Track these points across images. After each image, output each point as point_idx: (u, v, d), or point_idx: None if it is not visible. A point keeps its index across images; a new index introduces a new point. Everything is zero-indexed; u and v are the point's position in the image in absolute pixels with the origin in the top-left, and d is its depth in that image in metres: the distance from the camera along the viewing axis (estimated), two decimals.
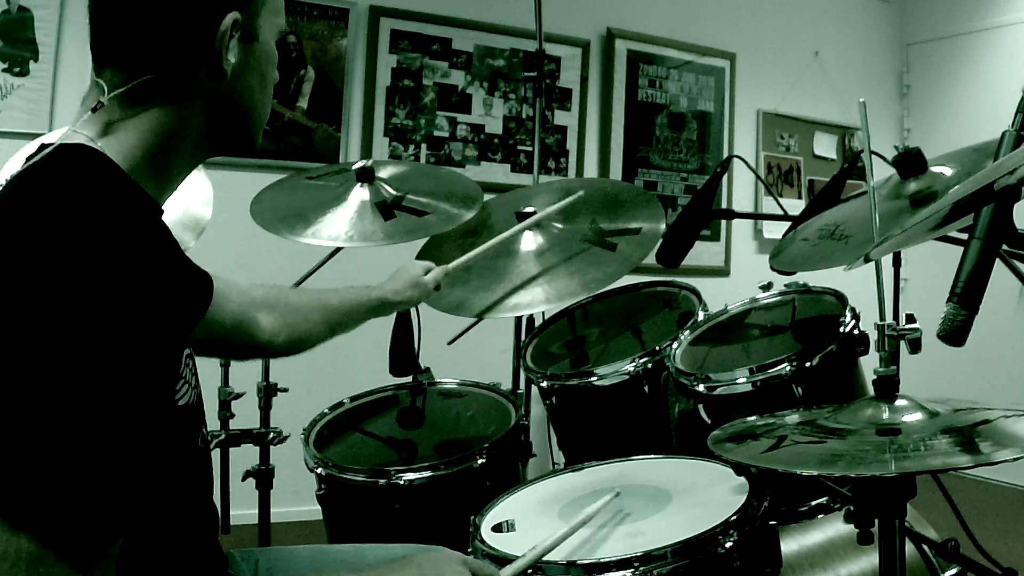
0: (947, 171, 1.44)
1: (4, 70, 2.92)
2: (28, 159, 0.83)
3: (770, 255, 1.56)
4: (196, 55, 0.87)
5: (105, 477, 0.70)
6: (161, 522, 0.86)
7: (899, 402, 1.05)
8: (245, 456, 2.06)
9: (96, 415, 0.69)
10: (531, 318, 2.26)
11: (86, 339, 0.69)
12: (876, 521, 1.01)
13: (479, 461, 1.54)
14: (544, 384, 1.76)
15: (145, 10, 0.85)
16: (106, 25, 0.86)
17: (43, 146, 0.83)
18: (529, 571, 1.09)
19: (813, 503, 1.42)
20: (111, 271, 0.73)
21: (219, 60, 0.88)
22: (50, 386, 0.68)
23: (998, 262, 0.92)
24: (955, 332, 0.86)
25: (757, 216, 4.63)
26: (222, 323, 1.23)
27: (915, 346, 1.04)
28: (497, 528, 1.26)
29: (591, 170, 4.08)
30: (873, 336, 1.10)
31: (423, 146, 3.69)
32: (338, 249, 1.88)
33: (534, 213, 1.82)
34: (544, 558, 1.10)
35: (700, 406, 1.51)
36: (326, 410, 1.81)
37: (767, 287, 1.75)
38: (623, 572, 1.07)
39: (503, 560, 1.12)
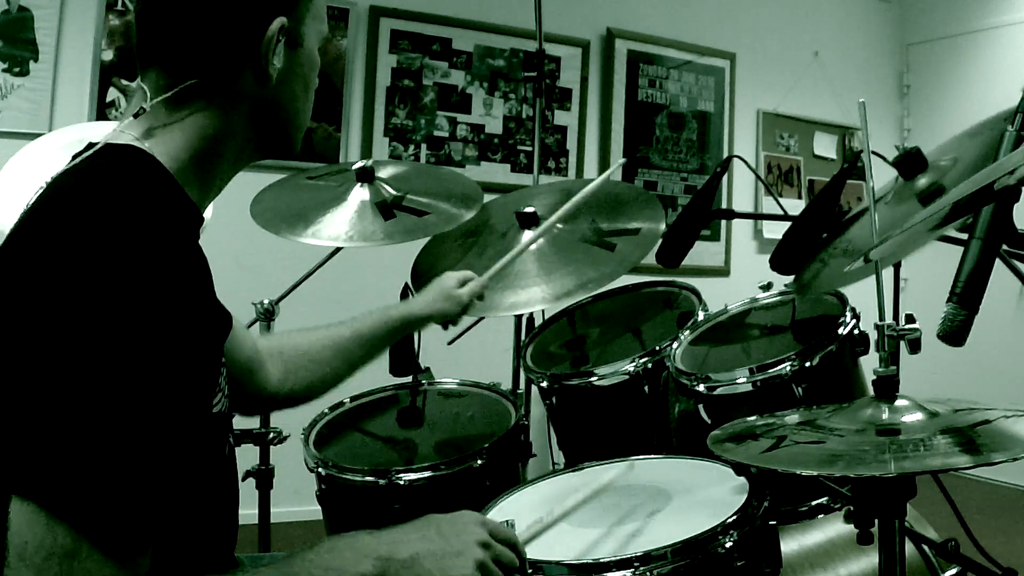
0: (945, 161, 1.44)
1: (4, 70, 2.93)
2: (75, 156, 0.83)
3: (794, 287, 1.52)
4: (242, 59, 0.87)
5: (145, 474, 0.70)
6: (186, 526, 0.86)
7: (899, 402, 1.05)
8: (245, 456, 2.05)
9: (136, 412, 0.70)
10: (531, 318, 2.26)
11: (130, 338, 0.70)
12: (876, 521, 1.01)
13: (479, 461, 1.54)
14: (544, 384, 1.76)
15: (193, 13, 0.85)
16: (153, 26, 0.86)
17: (91, 144, 0.84)
18: (530, 571, 1.09)
19: (813, 503, 1.42)
20: (158, 274, 0.74)
21: (265, 65, 0.88)
22: (94, 382, 0.68)
23: (998, 262, 0.92)
24: (955, 332, 0.86)
25: (757, 216, 4.64)
26: (234, 365, 1.16)
27: (915, 346, 1.04)
28: None
29: (591, 170, 4.08)
30: (873, 336, 1.10)
31: (423, 146, 3.69)
32: (338, 249, 1.88)
33: (534, 213, 1.82)
34: (543, 558, 1.10)
35: (700, 406, 1.51)
36: (326, 410, 1.81)
37: (767, 287, 1.75)
38: (623, 572, 1.07)
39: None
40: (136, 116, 0.85)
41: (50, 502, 0.67)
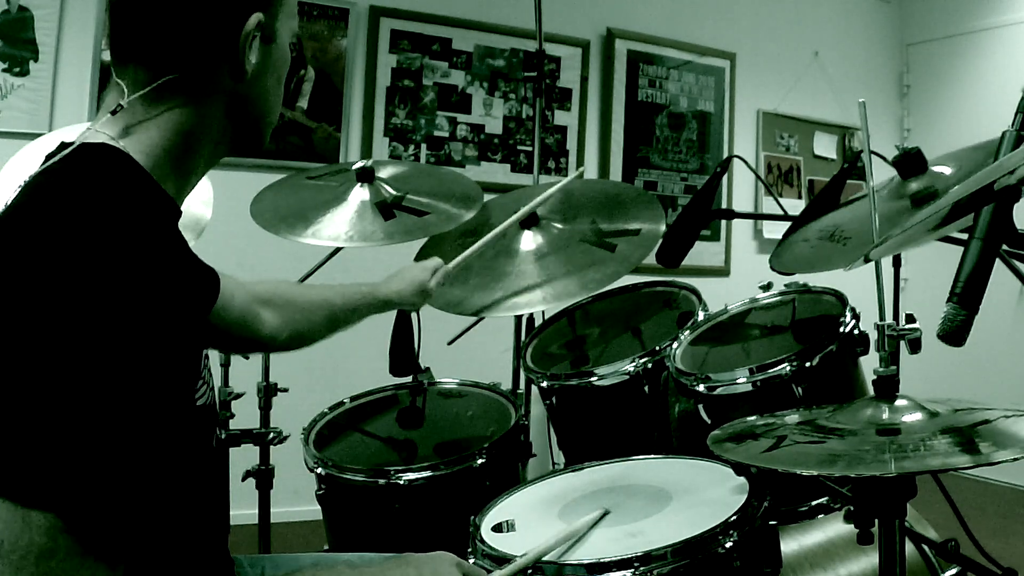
0: (947, 170, 1.44)
1: (4, 70, 2.93)
2: (48, 156, 0.83)
3: (771, 256, 1.56)
4: (219, 54, 0.87)
5: (124, 472, 0.70)
6: (174, 522, 0.85)
7: (899, 402, 1.05)
8: (245, 456, 2.06)
9: (117, 407, 0.69)
10: (531, 318, 2.26)
11: (108, 333, 0.70)
12: (876, 521, 1.01)
13: (479, 461, 1.54)
14: (544, 384, 1.76)
15: (172, 8, 0.85)
16: (131, 21, 0.86)
17: (63, 144, 0.83)
18: (529, 571, 1.09)
19: (813, 503, 1.42)
20: (133, 270, 0.74)
21: (242, 60, 0.88)
22: (73, 379, 0.68)
23: (998, 262, 0.92)
24: (955, 332, 0.86)
25: (757, 216, 4.64)
26: (227, 319, 1.24)
27: (915, 346, 1.04)
28: (497, 528, 1.26)
29: (591, 170, 4.08)
30: (873, 336, 1.10)
31: (423, 146, 3.69)
32: (338, 249, 1.88)
33: (534, 213, 1.82)
34: (545, 558, 1.10)
35: (700, 406, 1.51)
36: (326, 410, 1.81)
37: (767, 287, 1.75)
38: (623, 572, 1.07)
39: (503, 560, 1.12)
40: (113, 113, 0.85)
41: (26, 500, 0.66)
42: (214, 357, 2.00)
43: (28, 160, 1.79)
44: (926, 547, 1.42)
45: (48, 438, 0.67)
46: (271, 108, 0.97)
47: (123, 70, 0.87)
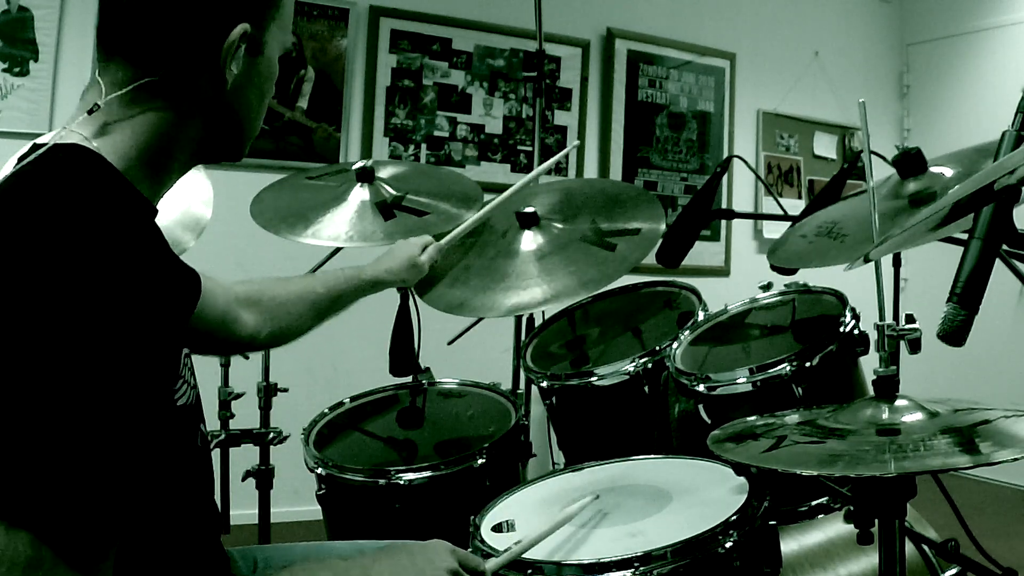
0: (947, 171, 1.44)
1: (4, 70, 2.93)
2: (20, 159, 0.82)
3: (768, 251, 1.56)
4: (201, 61, 0.87)
5: (104, 477, 0.69)
6: (162, 523, 0.85)
7: (899, 402, 1.05)
8: (245, 456, 2.07)
9: (95, 414, 0.69)
10: (531, 318, 2.26)
11: (84, 338, 0.69)
12: (876, 521, 1.01)
13: (479, 461, 1.54)
14: (544, 384, 1.76)
15: (160, 7, 0.84)
16: (118, 15, 0.86)
17: (36, 146, 0.83)
18: (529, 571, 1.10)
19: (813, 503, 1.42)
20: (107, 271, 0.73)
21: (223, 69, 0.87)
22: (48, 385, 0.67)
23: (998, 262, 0.92)
24: (955, 332, 0.86)
25: (757, 216, 4.64)
26: (208, 321, 1.23)
27: (915, 346, 1.04)
28: (497, 528, 1.26)
29: (591, 170, 4.08)
30: (873, 336, 1.10)
31: (423, 146, 3.69)
32: (338, 249, 1.88)
33: (534, 213, 1.82)
34: (545, 558, 1.11)
35: (700, 406, 1.51)
36: (326, 410, 1.81)
37: (767, 287, 1.75)
38: (623, 572, 1.07)
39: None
40: (90, 113, 0.84)
41: (8, 511, 0.65)
42: (214, 357, 2.01)
43: None
44: (926, 547, 1.42)
45: (25, 449, 0.66)
46: (251, 121, 0.95)
47: (106, 66, 0.87)
